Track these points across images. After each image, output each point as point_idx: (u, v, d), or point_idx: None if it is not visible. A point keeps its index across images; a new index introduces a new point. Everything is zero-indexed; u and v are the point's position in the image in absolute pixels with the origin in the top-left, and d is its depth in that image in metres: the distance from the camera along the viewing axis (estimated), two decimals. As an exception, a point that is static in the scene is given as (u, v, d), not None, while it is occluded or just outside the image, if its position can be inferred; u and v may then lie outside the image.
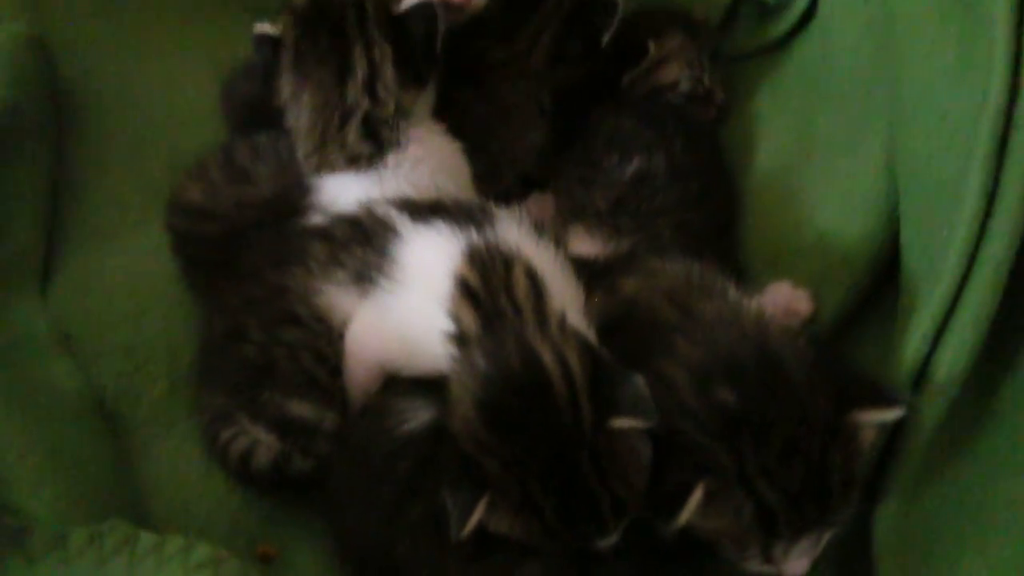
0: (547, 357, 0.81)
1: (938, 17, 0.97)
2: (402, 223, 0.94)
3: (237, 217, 1.07)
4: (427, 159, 1.03)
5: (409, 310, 0.91)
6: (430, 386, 0.89)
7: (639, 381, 0.80)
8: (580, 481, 0.79)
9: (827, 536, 0.83)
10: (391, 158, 1.02)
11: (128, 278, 1.16)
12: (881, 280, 1.05)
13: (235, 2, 1.52)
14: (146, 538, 0.80)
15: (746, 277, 1.09)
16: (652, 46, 1.22)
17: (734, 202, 1.17)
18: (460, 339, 0.86)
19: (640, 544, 0.87)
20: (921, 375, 0.85)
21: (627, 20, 1.29)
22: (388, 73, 1.01)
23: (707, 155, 1.18)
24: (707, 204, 1.12)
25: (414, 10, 1.01)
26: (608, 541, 0.83)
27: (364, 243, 0.94)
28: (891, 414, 0.80)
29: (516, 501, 0.79)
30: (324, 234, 0.98)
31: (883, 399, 0.81)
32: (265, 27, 1.03)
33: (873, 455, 0.86)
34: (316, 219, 1.01)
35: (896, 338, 0.90)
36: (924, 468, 0.85)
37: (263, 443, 0.98)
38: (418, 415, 0.89)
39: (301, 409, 0.96)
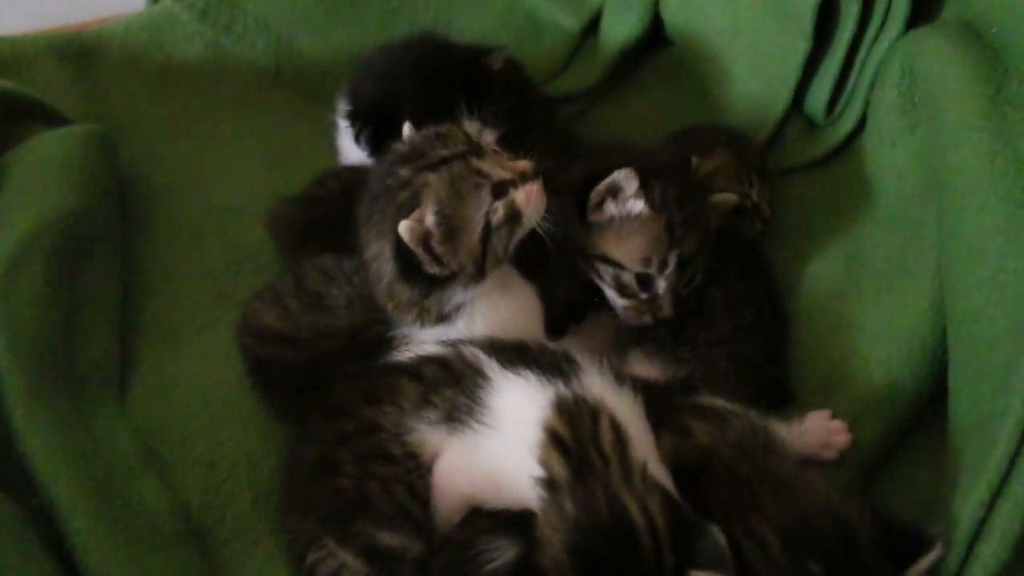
0: (634, 509, 0.90)
1: (989, 173, 1.06)
2: (491, 368, 1.03)
3: (319, 345, 1.14)
4: (500, 309, 1.11)
5: (497, 452, 1.00)
6: (512, 522, 0.98)
7: (717, 535, 0.89)
8: None
9: None
10: (461, 326, 1.10)
11: (202, 387, 1.23)
12: (923, 412, 1.15)
13: (286, 87, 1.59)
14: None
15: (796, 403, 1.18)
16: (696, 160, 1.29)
17: (785, 329, 1.25)
18: (550, 484, 0.95)
19: None
20: (975, 539, 0.94)
21: (675, 136, 1.38)
22: (396, 286, 1.08)
23: (759, 283, 1.26)
24: (759, 333, 1.21)
25: (398, 241, 1.05)
26: None
27: (453, 385, 1.03)
28: (934, 556, 0.89)
29: None
30: (413, 373, 1.06)
31: (925, 544, 0.90)
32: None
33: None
34: (404, 355, 1.09)
35: (946, 493, 0.99)
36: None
37: (349, 567, 1.05)
38: (502, 553, 0.97)
39: (392, 540, 1.03)
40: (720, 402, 1.08)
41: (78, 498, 1.00)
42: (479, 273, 1.07)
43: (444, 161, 1.06)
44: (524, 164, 1.08)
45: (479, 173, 1.06)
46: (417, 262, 1.05)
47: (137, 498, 1.07)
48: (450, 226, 1.04)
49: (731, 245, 1.25)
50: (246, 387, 1.22)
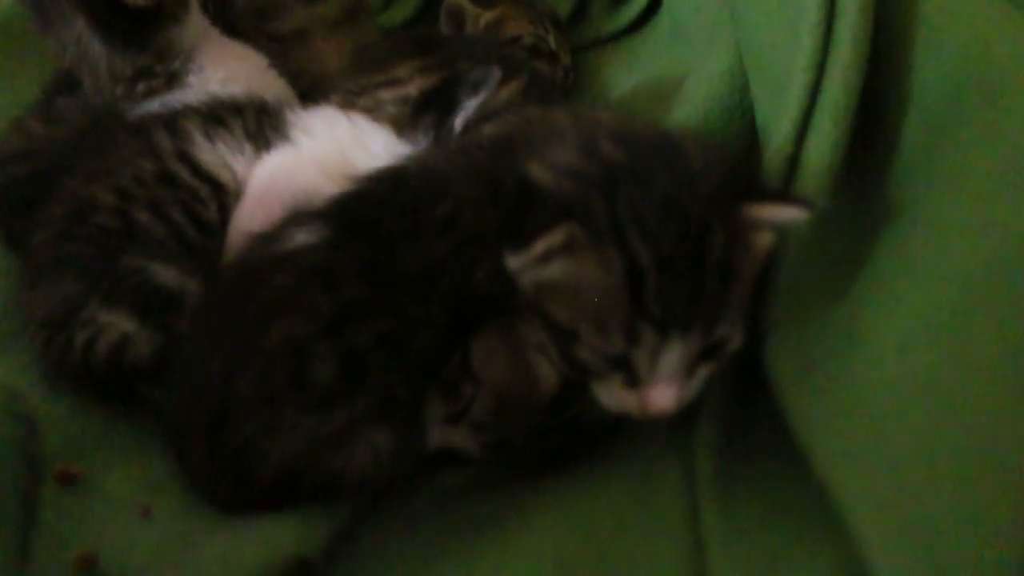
0: None
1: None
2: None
3: (49, 150, 1.03)
4: (229, 62, 1.05)
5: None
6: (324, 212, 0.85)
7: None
8: None
9: (703, 373, 0.76)
10: (194, 81, 1.03)
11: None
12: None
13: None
14: None
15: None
16: (475, 10, 1.30)
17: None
18: None
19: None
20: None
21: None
22: (95, 47, 1.02)
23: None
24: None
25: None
26: None
27: (246, 112, 0.98)
28: (791, 212, 0.75)
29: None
30: (200, 110, 0.97)
31: (786, 197, 0.77)
32: None
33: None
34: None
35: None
36: (803, 278, 0.80)
37: (132, 335, 0.89)
38: (307, 234, 0.82)
39: (165, 275, 0.89)
40: None
41: None
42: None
43: None
44: None
45: None
46: (118, 5, 0.96)
47: None
48: None
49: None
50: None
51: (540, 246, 0.68)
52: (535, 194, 0.72)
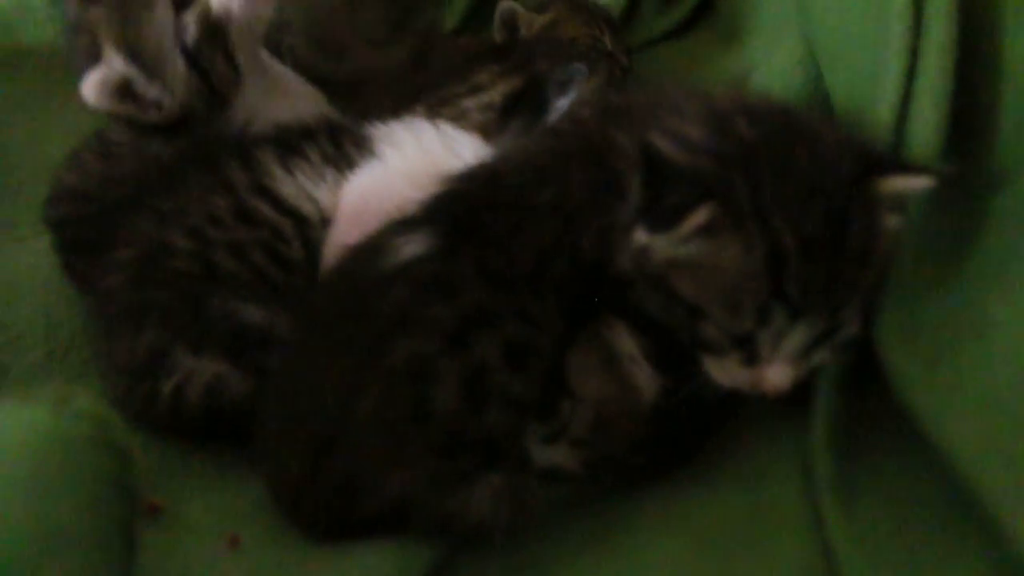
0: None
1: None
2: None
3: (103, 195, 0.99)
4: (284, 113, 1.00)
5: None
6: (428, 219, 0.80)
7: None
8: None
9: (818, 355, 0.73)
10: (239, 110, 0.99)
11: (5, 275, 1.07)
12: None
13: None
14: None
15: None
16: (528, 15, 1.26)
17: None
18: None
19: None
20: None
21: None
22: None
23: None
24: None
25: None
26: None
27: (318, 137, 0.94)
28: (920, 181, 0.73)
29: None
30: (270, 139, 0.94)
31: (912, 168, 0.74)
32: None
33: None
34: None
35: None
36: (916, 267, 0.76)
37: (224, 376, 0.85)
38: (418, 243, 0.77)
39: (255, 315, 0.85)
40: None
41: None
42: (218, 98, 0.94)
43: None
44: None
45: None
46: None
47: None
48: (147, 61, 0.91)
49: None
50: (54, 277, 1.05)
51: (686, 227, 0.66)
52: (664, 167, 0.69)
